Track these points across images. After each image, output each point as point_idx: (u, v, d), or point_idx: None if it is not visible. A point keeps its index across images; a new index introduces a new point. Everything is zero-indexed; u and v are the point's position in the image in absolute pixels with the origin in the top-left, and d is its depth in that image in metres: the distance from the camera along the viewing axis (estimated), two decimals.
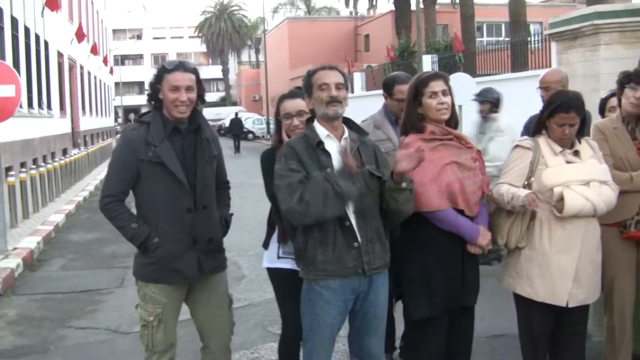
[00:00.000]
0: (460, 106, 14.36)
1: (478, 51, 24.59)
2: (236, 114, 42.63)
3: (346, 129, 4.08)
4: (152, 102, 4.22)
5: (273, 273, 4.61)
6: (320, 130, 4.01)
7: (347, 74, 4.18)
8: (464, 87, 14.14)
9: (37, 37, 24.08)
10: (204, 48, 77.15)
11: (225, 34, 74.76)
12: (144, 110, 79.76)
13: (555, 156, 4.34)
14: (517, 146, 4.50)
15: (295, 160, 3.91)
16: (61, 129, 28.72)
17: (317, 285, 3.97)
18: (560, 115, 4.27)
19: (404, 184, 3.86)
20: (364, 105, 20.31)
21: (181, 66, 4.14)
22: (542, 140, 4.42)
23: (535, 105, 5.10)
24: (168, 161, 4.08)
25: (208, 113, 48.75)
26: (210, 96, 74.60)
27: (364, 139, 4.14)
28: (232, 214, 4.58)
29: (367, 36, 51.52)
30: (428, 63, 26.11)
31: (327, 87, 3.96)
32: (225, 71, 75.83)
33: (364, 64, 41.64)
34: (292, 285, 4.28)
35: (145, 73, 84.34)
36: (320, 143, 3.96)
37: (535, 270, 4.32)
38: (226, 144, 32.38)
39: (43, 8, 24.27)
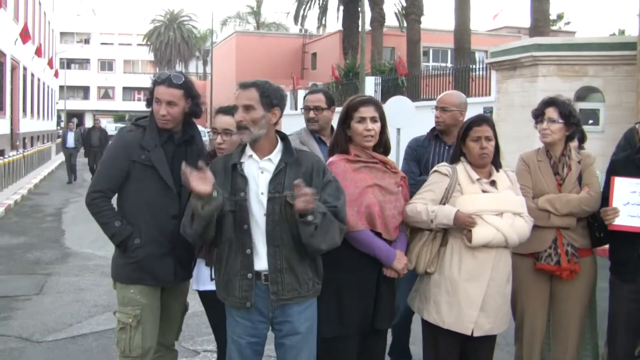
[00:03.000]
0: (398, 129, 14.43)
1: (422, 75, 24.80)
2: None
3: (279, 149, 3.85)
4: (150, 108, 4.33)
5: (205, 296, 4.48)
6: (247, 149, 3.87)
7: (269, 89, 3.79)
8: (403, 111, 14.19)
9: None
10: (151, 56, 76.49)
11: (174, 44, 74.45)
12: (87, 115, 77.68)
13: (471, 184, 4.35)
14: (435, 171, 4.49)
15: None
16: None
17: None
18: (474, 130, 4.35)
19: (309, 217, 3.57)
20: None
21: (167, 80, 4.22)
22: (461, 167, 4.43)
23: None
24: (159, 166, 4.18)
25: None
26: None
27: (300, 158, 3.85)
28: None
29: (314, 54, 51.67)
30: (371, 85, 26.32)
31: (236, 109, 3.82)
32: None
33: (310, 81, 41.74)
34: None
35: (91, 78, 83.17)
36: (235, 166, 3.81)
37: (442, 296, 4.28)
38: None
39: None
